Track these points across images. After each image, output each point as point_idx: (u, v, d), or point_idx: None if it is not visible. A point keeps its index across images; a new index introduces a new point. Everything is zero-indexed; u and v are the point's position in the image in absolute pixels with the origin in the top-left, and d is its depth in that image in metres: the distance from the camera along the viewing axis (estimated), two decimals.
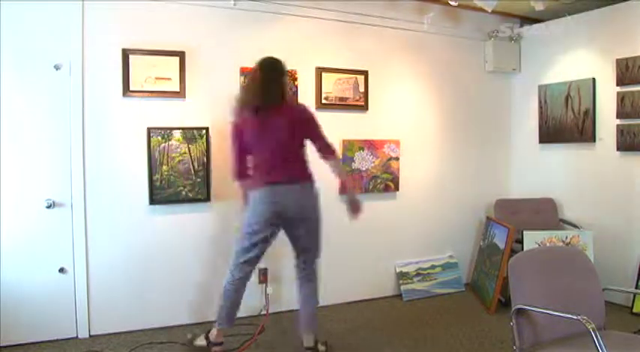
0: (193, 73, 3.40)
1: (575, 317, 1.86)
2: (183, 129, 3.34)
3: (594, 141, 3.97)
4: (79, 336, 3.15)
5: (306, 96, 3.75)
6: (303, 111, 2.89)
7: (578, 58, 4.10)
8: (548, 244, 3.65)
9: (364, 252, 4.00)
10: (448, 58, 4.35)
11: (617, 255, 3.77)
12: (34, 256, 3.05)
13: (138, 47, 3.23)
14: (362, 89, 3.95)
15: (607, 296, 2.31)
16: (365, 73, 3.95)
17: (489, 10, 3.92)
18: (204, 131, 3.39)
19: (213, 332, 2.87)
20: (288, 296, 3.70)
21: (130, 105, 3.26)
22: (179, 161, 3.34)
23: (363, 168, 3.96)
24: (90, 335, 3.17)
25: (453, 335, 3.26)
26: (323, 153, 2.86)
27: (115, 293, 3.24)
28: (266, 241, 2.85)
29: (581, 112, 4.04)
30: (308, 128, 2.82)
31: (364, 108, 3.97)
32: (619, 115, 3.76)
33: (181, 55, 3.34)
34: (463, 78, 4.44)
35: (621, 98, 3.73)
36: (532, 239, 3.66)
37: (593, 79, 3.95)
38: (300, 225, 2.85)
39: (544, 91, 4.36)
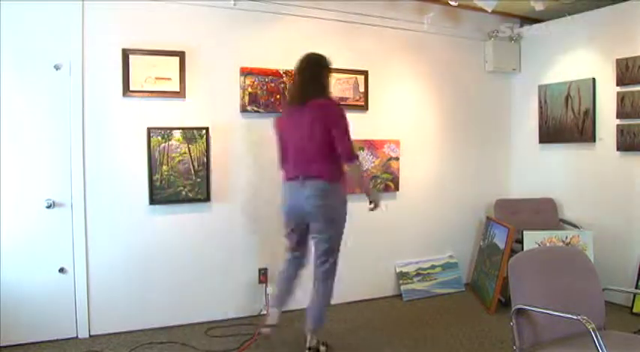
0: (193, 73, 3.40)
1: (575, 317, 1.86)
2: (183, 129, 3.34)
3: (594, 141, 3.97)
4: (79, 336, 3.15)
5: None
6: (325, 106, 2.77)
7: (578, 58, 4.10)
8: (548, 244, 3.65)
9: (364, 252, 4.00)
10: (448, 58, 4.35)
11: (617, 255, 3.77)
12: (34, 256, 3.05)
13: (138, 47, 3.23)
14: (362, 89, 3.95)
15: (607, 296, 2.31)
16: (365, 73, 3.95)
17: (489, 10, 3.92)
18: (204, 131, 3.39)
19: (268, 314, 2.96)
20: None
21: (130, 105, 3.26)
22: (179, 161, 3.34)
23: (363, 168, 3.95)
24: (90, 335, 3.17)
25: (453, 335, 3.26)
26: (341, 155, 2.76)
27: (115, 293, 3.24)
28: (295, 232, 2.97)
29: (581, 112, 4.04)
30: (325, 126, 2.72)
31: (364, 108, 3.97)
32: (619, 115, 3.76)
33: (181, 55, 3.34)
34: (463, 78, 4.44)
35: (621, 98, 3.73)
36: (532, 239, 3.66)
37: (593, 79, 3.95)
38: (310, 224, 2.88)
39: (544, 91, 4.36)
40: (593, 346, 1.77)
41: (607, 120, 3.86)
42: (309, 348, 2.90)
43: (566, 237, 3.70)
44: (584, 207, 4.09)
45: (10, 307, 2.97)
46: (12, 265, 3.00)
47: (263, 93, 3.58)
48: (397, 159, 4.09)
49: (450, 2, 3.86)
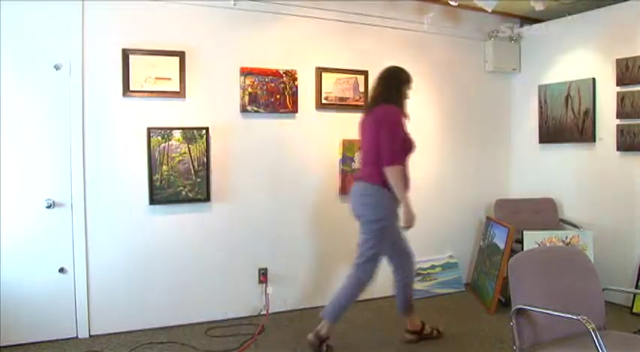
0: (193, 73, 3.40)
1: (575, 317, 1.86)
2: (183, 129, 3.34)
3: (594, 141, 3.97)
4: (79, 336, 3.15)
5: (306, 97, 3.75)
6: (382, 112, 2.85)
7: (578, 58, 4.10)
8: (548, 244, 3.65)
9: None
10: (448, 58, 4.35)
11: (617, 255, 3.77)
12: (34, 256, 3.05)
13: (138, 47, 3.23)
14: (362, 89, 3.95)
15: (607, 296, 2.31)
16: (365, 73, 3.95)
17: (489, 10, 3.92)
18: (204, 131, 3.39)
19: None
20: (288, 296, 3.70)
21: (130, 105, 3.26)
22: (179, 161, 3.34)
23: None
24: (90, 335, 3.17)
25: (453, 335, 3.26)
26: (382, 159, 2.78)
27: (115, 293, 3.24)
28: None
29: (581, 112, 4.04)
30: (376, 130, 2.81)
31: (364, 108, 3.97)
32: (619, 115, 3.76)
33: (181, 55, 3.34)
34: (463, 78, 4.44)
35: (621, 98, 3.73)
36: (532, 239, 3.66)
37: (593, 79, 3.95)
38: (358, 222, 2.95)
39: (544, 91, 4.36)
40: (593, 346, 1.77)
41: (607, 120, 3.86)
42: (314, 336, 2.91)
43: (566, 237, 3.70)
44: (584, 207, 4.09)
45: (10, 307, 2.97)
46: (12, 265, 3.00)
47: (263, 93, 3.58)
48: None
49: (450, 2, 3.86)
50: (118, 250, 3.25)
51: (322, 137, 3.83)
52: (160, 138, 3.29)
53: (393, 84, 2.95)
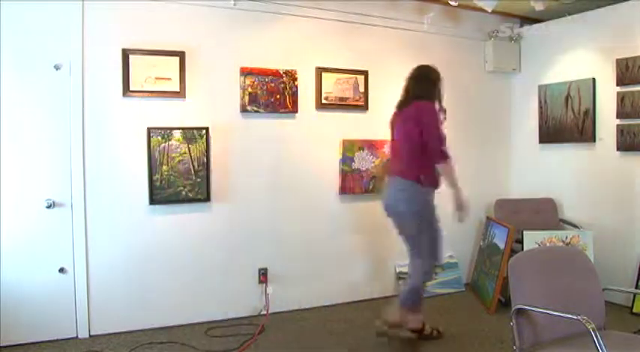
0: (193, 73, 3.40)
1: (575, 317, 1.86)
2: (183, 129, 3.34)
3: (594, 141, 3.97)
4: (79, 336, 3.15)
5: (306, 96, 3.75)
6: (415, 108, 2.91)
7: (578, 58, 4.10)
8: (548, 244, 3.65)
9: (364, 252, 4.00)
10: (448, 58, 4.34)
11: (617, 255, 3.77)
12: (34, 256, 3.05)
13: (138, 47, 3.23)
14: (362, 89, 3.95)
15: (607, 296, 2.31)
16: (365, 73, 3.95)
17: (489, 10, 3.92)
18: (204, 131, 3.39)
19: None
20: (288, 296, 3.70)
21: (130, 105, 3.26)
22: (179, 161, 3.34)
23: (363, 168, 3.96)
24: (90, 335, 3.17)
25: (453, 335, 3.26)
26: (430, 155, 2.86)
27: (115, 293, 3.24)
28: (396, 228, 3.07)
29: (581, 112, 4.04)
30: (414, 126, 2.86)
31: (364, 108, 3.97)
32: (619, 115, 3.76)
33: (181, 55, 3.34)
34: (463, 78, 4.44)
35: (621, 98, 3.73)
36: (532, 239, 3.66)
37: (593, 79, 3.95)
38: (395, 218, 3.02)
39: (544, 91, 4.36)
40: (593, 346, 1.77)
41: (607, 120, 3.86)
42: (385, 325, 3.05)
43: (566, 237, 3.70)
44: (584, 207, 4.09)
45: (10, 307, 2.97)
46: (12, 265, 3.00)
47: (263, 93, 3.58)
48: None
49: (450, 2, 3.86)
50: (117, 250, 3.25)
51: (322, 137, 3.83)
52: (159, 138, 3.29)
53: (430, 80, 3.00)
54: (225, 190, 3.52)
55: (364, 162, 3.95)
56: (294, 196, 3.73)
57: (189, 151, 3.36)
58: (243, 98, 3.53)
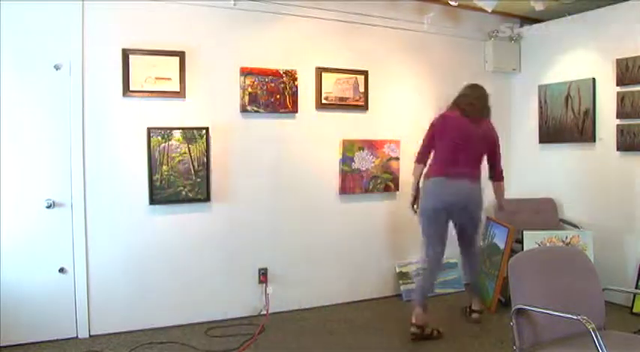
0: (193, 73, 3.40)
1: (575, 317, 1.86)
2: (183, 129, 3.34)
3: (594, 141, 3.97)
4: (79, 336, 3.15)
5: (306, 96, 3.75)
6: (491, 129, 3.39)
7: (578, 58, 4.10)
8: (548, 244, 3.65)
9: (364, 252, 4.01)
10: (448, 58, 4.35)
11: (617, 255, 3.77)
12: (34, 256, 3.05)
13: (138, 47, 3.23)
14: (362, 89, 3.95)
15: (607, 296, 2.31)
16: (365, 73, 3.95)
17: (489, 10, 3.92)
18: (204, 131, 3.39)
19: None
20: (288, 296, 3.70)
21: (130, 105, 3.26)
22: (179, 161, 3.34)
23: (363, 168, 3.96)
24: (90, 335, 3.17)
25: (453, 335, 3.26)
26: (492, 174, 3.46)
27: (115, 293, 3.24)
28: (443, 228, 3.34)
29: (581, 112, 4.04)
30: (488, 145, 3.35)
31: (364, 108, 3.97)
32: (619, 115, 3.76)
33: (181, 55, 3.34)
34: (463, 78, 4.39)
35: (621, 98, 3.73)
36: (532, 239, 3.67)
37: (593, 79, 3.95)
38: (461, 213, 3.30)
39: (544, 91, 4.36)
40: (593, 346, 1.77)
41: (607, 120, 3.86)
42: (473, 310, 3.52)
43: (566, 237, 3.70)
44: (584, 207, 4.09)
45: (10, 307, 2.97)
46: (12, 265, 3.00)
47: (263, 93, 3.58)
48: (397, 159, 4.09)
49: (450, 2, 3.87)
50: (117, 250, 3.25)
51: (322, 137, 3.83)
52: (159, 138, 3.29)
53: (487, 101, 3.45)
54: (225, 190, 3.52)
55: (364, 162, 3.95)
56: (294, 196, 3.73)
57: (189, 151, 3.36)
58: (243, 98, 3.53)
